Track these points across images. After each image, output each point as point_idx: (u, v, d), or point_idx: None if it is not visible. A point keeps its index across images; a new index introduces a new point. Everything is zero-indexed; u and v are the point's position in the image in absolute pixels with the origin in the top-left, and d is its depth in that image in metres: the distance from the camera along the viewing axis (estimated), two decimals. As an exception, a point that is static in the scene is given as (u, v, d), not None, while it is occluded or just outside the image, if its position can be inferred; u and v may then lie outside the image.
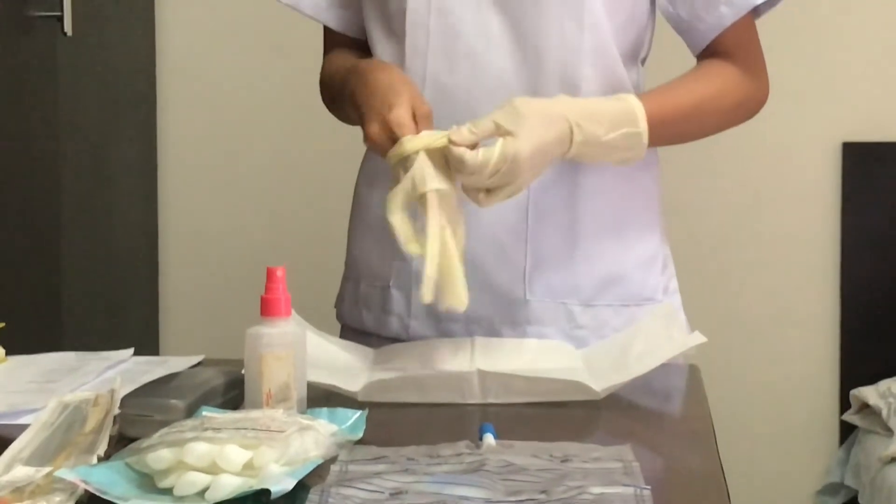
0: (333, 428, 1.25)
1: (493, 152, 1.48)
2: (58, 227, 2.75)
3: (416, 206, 1.49)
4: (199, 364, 1.60)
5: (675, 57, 1.75)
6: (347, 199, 1.79)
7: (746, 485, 3.25)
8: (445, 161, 1.49)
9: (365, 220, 1.74)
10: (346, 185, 1.84)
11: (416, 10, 1.64)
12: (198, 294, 3.40)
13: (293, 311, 1.37)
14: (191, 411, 1.32)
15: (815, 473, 3.28)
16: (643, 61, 1.75)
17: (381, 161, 1.55)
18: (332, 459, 1.20)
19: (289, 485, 1.11)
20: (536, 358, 1.57)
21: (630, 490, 1.11)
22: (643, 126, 1.59)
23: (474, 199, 1.52)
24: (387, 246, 1.64)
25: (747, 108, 1.73)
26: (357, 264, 1.77)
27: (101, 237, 3.01)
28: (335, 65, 1.76)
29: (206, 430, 1.15)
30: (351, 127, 1.71)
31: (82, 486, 1.10)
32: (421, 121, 1.53)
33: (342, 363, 1.56)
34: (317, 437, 1.20)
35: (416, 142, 1.49)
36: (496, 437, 1.27)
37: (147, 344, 3.27)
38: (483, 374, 1.48)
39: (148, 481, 1.13)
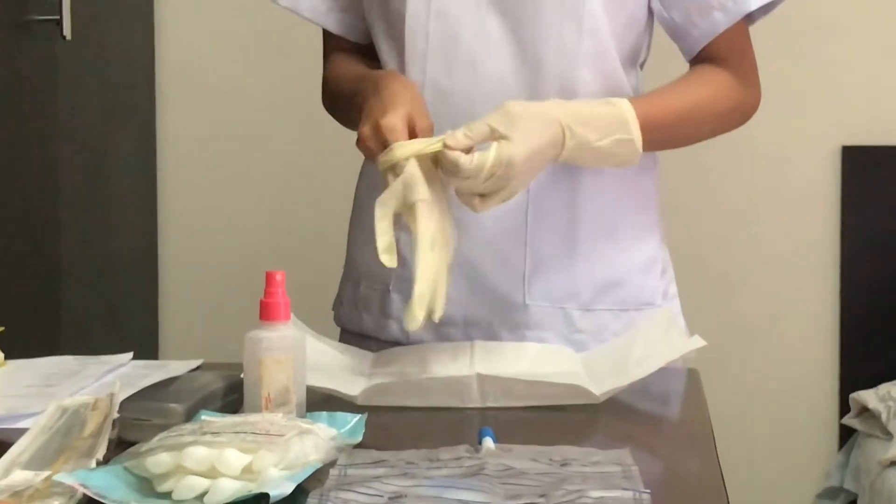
0: (333, 432, 1.25)
1: (487, 156, 1.47)
2: (57, 231, 2.75)
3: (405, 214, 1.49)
4: (198, 368, 1.60)
5: (674, 61, 1.75)
6: (347, 202, 1.79)
7: (746, 489, 3.24)
8: (435, 168, 1.49)
9: (365, 223, 1.74)
10: (345, 189, 1.84)
11: (415, 14, 1.64)
12: (197, 298, 3.40)
13: (292, 315, 1.37)
14: (190, 415, 1.32)
15: (814, 477, 3.28)
16: (642, 65, 1.75)
17: (380, 164, 1.55)
18: (332, 463, 1.20)
19: (288, 489, 1.11)
20: (536, 362, 1.57)
21: (629, 494, 1.11)
22: (636, 132, 1.59)
23: (469, 205, 1.51)
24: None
25: (740, 114, 1.72)
26: (357, 267, 1.77)
27: (100, 240, 3.01)
28: (339, 71, 1.76)
29: (205, 433, 1.15)
30: (351, 130, 1.72)
31: (81, 489, 1.10)
32: (419, 133, 1.52)
33: (341, 367, 1.56)
34: (316, 440, 1.20)
35: (406, 148, 1.49)
36: (495, 440, 1.27)
37: (146, 348, 3.27)
38: (482, 378, 1.48)
39: (147, 485, 1.13)
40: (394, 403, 1.47)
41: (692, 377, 1.63)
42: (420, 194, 1.46)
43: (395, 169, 1.49)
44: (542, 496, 1.10)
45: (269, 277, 1.35)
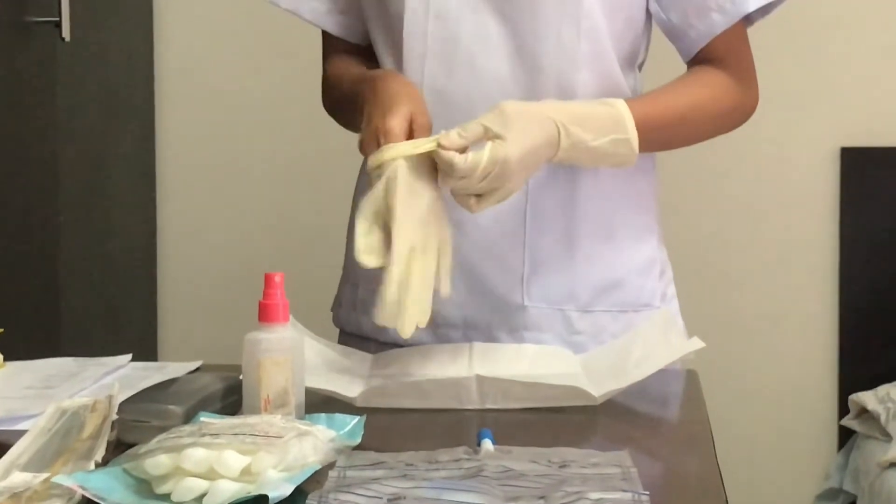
0: (332, 433, 1.25)
1: (482, 155, 1.47)
2: (56, 232, 2.75)
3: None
4: (197, 370, 1.60)
5: (672, 62, 1.75)
6: (346, 203, 1.79)
7: (745, 490, 3.24)
8: (433, 168, 1.49)
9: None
10: (344, 190, 1.84)
11: (413, 15, 1.64)
12: (196, 299, 3.40)
13: (291, 317, 1.37)
14: (189, 417, 1.32)
15: (813, 478, 3.28)
16: (640, 67, 1.75)
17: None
18: (331, 465, 1.20)
19: (287, 490, 1.11)
20: (535, 363, 1.57)
21: (628, 496, 1.11)
22: (632, 132, 1.59)
23: (465, 205, 1.51)
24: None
25: (738, 114, 1.72)
26: (355, 269, 1.76)
27: (99, 242, 3.01)
28: (339, 71, 1.76)
29: (203, 435, 1.15)
30: (349, 131, 1.72)
31: (80, 491, 1.10)
32: (418, 131, 1.52)
33: (340, 368, 1.56)
34: (315, 442, 1.20)
35: (394, 150, 1.48)
36: (494, 442, 1.27)
37: (145, 349, 3.27)
38: (481, 380, 1.48)
39: (145, 487, 1.13)
40: (393, 405, 1.47)
41: (691, 378, 1.63)
42: (399, 196, 1.46)
43: (382, 170, 1.48)
44: (541, 498, 1.10)
45: (267, 279, 1.35)
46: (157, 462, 1.12)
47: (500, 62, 1.63)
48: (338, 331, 1.80)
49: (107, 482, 1.13)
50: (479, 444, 1.27)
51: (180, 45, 3.36)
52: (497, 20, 1.63)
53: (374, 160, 1.49)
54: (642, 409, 1.49)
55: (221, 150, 3.37)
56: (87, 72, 2.91)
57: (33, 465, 1.21)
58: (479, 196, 1.51)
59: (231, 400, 1.40)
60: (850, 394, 3.11)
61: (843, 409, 3.18)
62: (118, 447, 1.26)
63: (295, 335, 1.35)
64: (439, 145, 1.47)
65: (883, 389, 3.05)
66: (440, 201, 1.50)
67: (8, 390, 1.51)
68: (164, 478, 1.12)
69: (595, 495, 1.10)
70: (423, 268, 1.47)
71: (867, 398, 3.04)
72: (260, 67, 3.34)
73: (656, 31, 1.73)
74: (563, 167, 1.62)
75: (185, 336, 3.40)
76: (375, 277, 1.70)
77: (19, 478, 1.17)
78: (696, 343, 1.53)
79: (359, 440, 1.27)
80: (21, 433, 1.30)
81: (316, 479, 1.15)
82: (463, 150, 1.48)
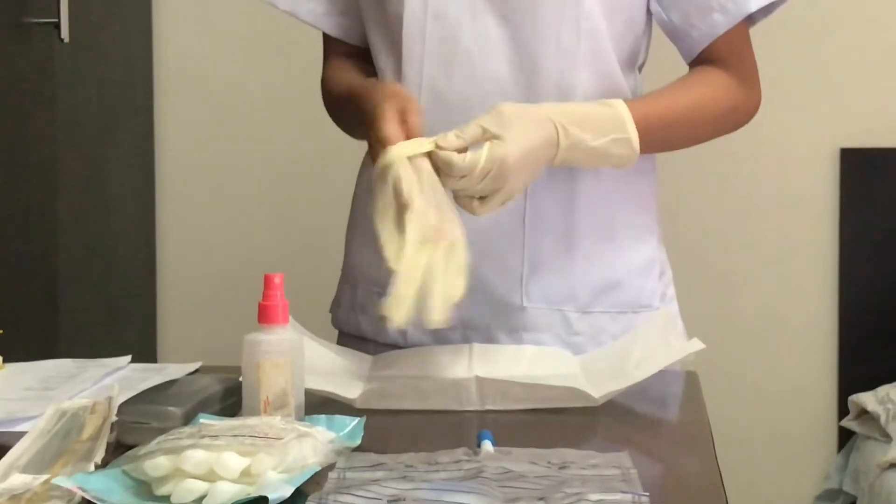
0: (331, 435, 1.24)
1: (480, 154, 1.47)
2: (55, 234, 2.75)
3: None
4: (196, 371, 1.60)
5: (673, 63, 1.75)
6: (345, 204, 1.79)
7: (745, 491, 3.24)
8: (437, 169, 1.49)
9: (363, 226, 1.74)
10: (344, 191, 1.84)
11: (412, 16, 1.64)
12: (195, 301, 3.40)
13: (291, 318, 1.37)
14: (188, 418, 1.32)
15: (813, 479, 3.28)
16: (641, 68, 1.75)
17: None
18: (330, 466, 1.20)
19: (286, 492, 1.11)
20: (534, 364, 1.57)
21: (628, 497, 1.11)
22: (632, 132, 1.58)
23: (467, 208, 1.51)
24: (385, 252, 1.63)
25: (738, 115, 1.72)
26: (355, 269, 1.77)
27: (98, 243, 3.01)
28: (335, 79, 1.75)
29: (203, 437, 1.15)
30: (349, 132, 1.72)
31: (79, 493, 1.10)
32: (410, 130, 1.51)
33: (340, 370, 1.56)
34: (315, 444, 1.19)
35: (396, 151, 1.48)
36: (494, 443, 1.27)
37: (145, 351, 3.27)
38: (481, 381, 1.48)
39: (145, 489, 1.13)
40: (392, 406, 1.47)
41: (691, 380, 1.63)
42: (407, 193, 1.45)
43: (385, 173, 1.48)
44: (540, 499, 1.10)
45: (267, 280, 1.35)
46: (156, 464, 1.12)
47: (499, 63, 1.62)
48: (337, 332, 1.80)
49: (106, 484, 1.13)
50: (478, 446, 1.27)
51: (179, 46, 3.36)
52: (496, 21, 1.62)
53: (380, 164, 1.49)
54: (642, 410, 1.49)
55: (220, 151, 3.37)
56: (86, 73, 2.91)
57: (33, 466, 1.21)
58: (481, 199, 1.51)
59: (230, 401, 1.40)
60: (850, 395, 3.11)
61: (843, 410, 3.18)
62: (118, 449, 1.26)
63: (294, 336, 1.35)
64: (437, 146, 1.48)
65: (883, 390, 3.05)
66: (447, 198, 1.49)
67: (7, 392, 1.51)
68: (163, 479, 1.12)
69: (595, 496, 1.10)
70: (441, 262, 1.45)
71: (867, 399, 3.04)
72: (259, 68, 3.34)
73: (657, 31, 1.73)
74: (563, 168, 1.62)
75: (184, 337, 3.40)
76: (374, 278, 1.71)
77: (19, 479, 1.17)
78: (696, 344, 1.53)
79: (358, 441, 1.27)
80: (20, 435, 1.30)
81: (315, 480, 1.15)
82: (461, 151, 1.48)
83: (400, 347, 1.67)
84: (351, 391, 1.48)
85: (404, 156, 1.47)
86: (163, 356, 3.35)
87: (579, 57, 1.63)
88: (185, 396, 1.37)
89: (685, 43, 1.70)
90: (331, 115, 1.80)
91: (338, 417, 1.31)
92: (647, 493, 1.11)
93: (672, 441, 1.42)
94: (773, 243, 3.30)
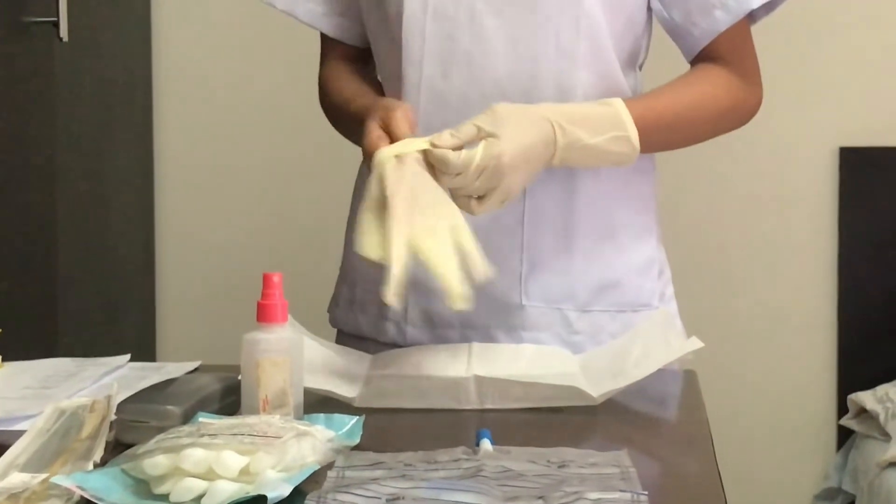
0: (330, 434, 1.25)
1: (476, 151, 1.47)
2: (54, 233, 2.75)
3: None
4: (195, 370, 1.60)
5: (674, 62, 1.75)
6: (344, 203, 1.79)
7: (744, 490, 3.24)
8: (433, 168, 1.49)
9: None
10: (342, 190, 1.84)
11: (412, 16, 1.64)
12: (194, 300, 3.40)
13: (290, 317, 1.37)
14: (187, 417, 1.32)
15: (812, 478, 3.28)
16: (641, 66, 1.75)
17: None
18: (329, 465, 1.20)
19: (285, 491, 1.11)
20: (533, 363, 1.57)
21: (627, 496, 1.11)
22: (631, 130, 1.58)
23: (466, 208, 1.51)
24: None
25: (739, 113, 1.72)
26: (353, 269, 1.77)
27: (97, 243, 3.01)
28: (335, 86, 1.75)
29: (202, 436, 1.15)
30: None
31: (78, 492, 1.10)
32: (392, 123, 1.51)
33: (339, 369, 1.56)
34: (314, 442, 1.20)
35: (387, 151, 1.48)
36: (493, 442, 1.27)
37: (144, 350, 3.27)
38: (480, 380, 1.48)
39: (144, 487, 1.13)
40: (391, 405, 1.47)
41: (689, 379, 1.63)
42: (391, 188, 1.44)
43: (374, 171, 1.48)
44: (539, 498, 1.10)
45: (266, 279, 1.35)
46: (155, 462, 1.12)
47: (498, 62, 1.62)
48: (335, 331, 1.80)
49: (105, 482, 1.13)
50: (477, 445, 1.27)
51: (178, 45, 3.36)
52: (496, 20, 1.62)
53: (373, 164, 1.49)
54: (641, 409, 1.49)
55: (219, 150, 3.37)
56: (85, 72, 2.90)
57: (32, 465, 1.21)
58: (479, 199, 1.51)
59: (229, 400, 1.40)
60: (849, 393, 3.11)
61: (842, 409, 3.18)
62: (117, 447, 1.26)
63: (293, 335, 1.35)
64: (432, 145, 1.48)
65: (882, 389, 3.05)
66: (443, 193, 1.49)
67: (6, 391, 1.51)
68: (162, 478, 1.12)
69: (594, 495, 1.10)
70: (437, 248, 1.44)
71: (866, 398, 3.04)
72: (258, 67, 3.34)
73: (657, 29, 1.73)
74: (562, 167, 1.62)
75: (183, 336, 3.40)
76: (372, 278, 1.71)
77: (18, 478, 1.17)
78: (695, 343, 1.53)
79: (357, 440, 1.27)
80: (19, 433, 1.30)
81: (314, 479, 1.15)
82: (457, 150, 1.48)
83: (399, 346, 1.67)
84: (350, 390, 1.48)
85: (392, 155, 1.47)
86: (162, 355, 3.34)
87: (579, 56, 1.63)
88: (184, 395, 1.37)
89: (686, 41, 1.70)
90: (327, 116, 1.79)
91: (337, 416, 1.31)
92: (646, 492, 1.11)
93: (671, 440, 1.42)
94: (772, 242, 3.30)
